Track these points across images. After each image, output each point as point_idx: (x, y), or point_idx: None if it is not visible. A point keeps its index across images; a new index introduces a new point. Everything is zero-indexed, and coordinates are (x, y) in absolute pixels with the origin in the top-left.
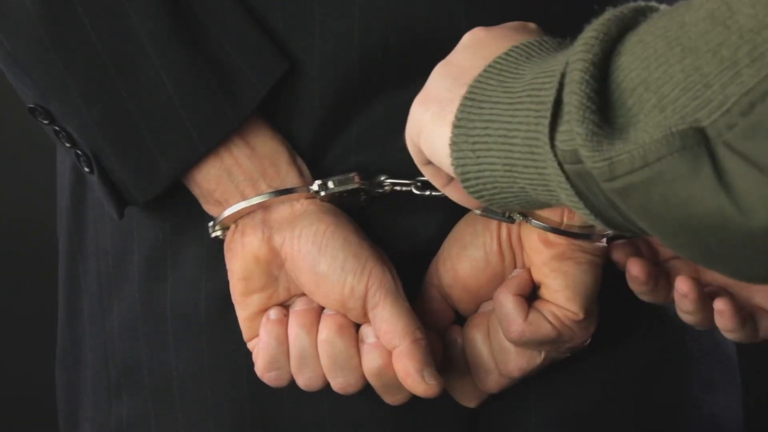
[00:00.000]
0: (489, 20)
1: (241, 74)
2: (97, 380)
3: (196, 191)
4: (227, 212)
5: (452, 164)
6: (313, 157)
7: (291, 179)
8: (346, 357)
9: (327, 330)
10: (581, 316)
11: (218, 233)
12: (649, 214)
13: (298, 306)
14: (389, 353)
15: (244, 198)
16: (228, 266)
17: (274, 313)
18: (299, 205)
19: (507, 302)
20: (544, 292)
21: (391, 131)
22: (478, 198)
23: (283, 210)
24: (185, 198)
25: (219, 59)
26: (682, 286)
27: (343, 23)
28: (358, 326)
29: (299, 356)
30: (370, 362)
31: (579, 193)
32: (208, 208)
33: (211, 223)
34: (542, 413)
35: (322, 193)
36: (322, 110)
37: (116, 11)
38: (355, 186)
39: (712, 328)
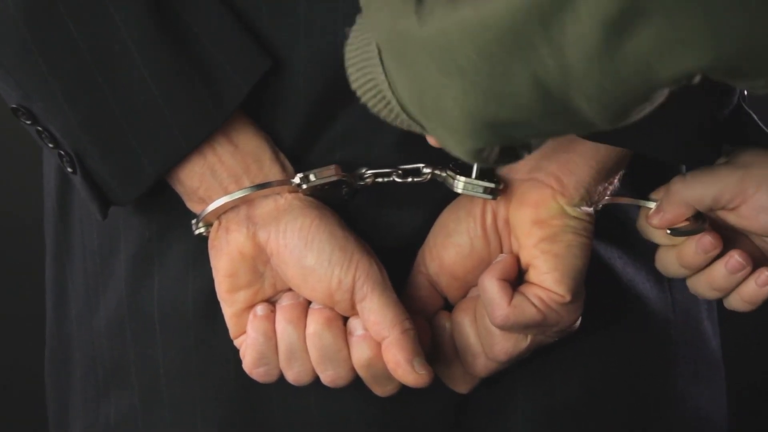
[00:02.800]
0: None
1: (224, 73)
2: (85, 379)
3: (180, 189)
4: (210, 207)
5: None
6: (299, 153)
7: (274, 175)
8: (335, 350)
9: (315, 323)
10: (568, 298)
11: (201, 230)
12: (385, 47)
13: (285, 301)
14: (378, 345)
15: (226, 193)
16: (213, 263)
17: (260, 309)
18: (283, 200)
19: (491, 287)
20: (532, 274)
21: (376, 125)
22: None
23: (267, 205)
24: (171, 196)
25: (202, 58)
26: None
27: (328, 17)
28: (345, 319)
29: (288, 351)
30: (360, 354)
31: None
32: (192, 206)
33: (194, 220)
34: (528, 405)
35: (304, 186)
36: (307, 106)
37: (99, 11)
38: (337, 178)
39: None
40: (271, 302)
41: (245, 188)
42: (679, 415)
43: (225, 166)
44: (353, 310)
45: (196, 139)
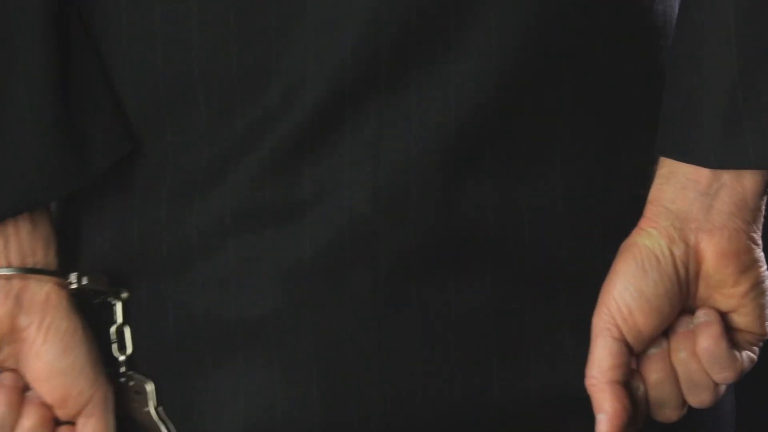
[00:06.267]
0: (481, 16)
1: (71, 157)
2: None
3: None
4: None
5: None
6: (307, 171)
7: (54, 266)
8: None
9: (33, 419)
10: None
11: None
12: None
13: (7, 381)
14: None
15: (9, 266)
16: None
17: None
18: (54, 295)
19: (721, 352)
20: (739, 321)
21: (383, 140)
22: None
23: (40, 295)
24: None
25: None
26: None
27: (335, 33)
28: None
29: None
30: None
31: None
32: None
33: None
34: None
35: (74, 286)
36: (314, 123)
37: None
38: (103, 288)
39: None
40: None
41: (11, 268)
42: (699, 417)
43: (18, 241)
44: (72, 419)
45: (12, 209)
